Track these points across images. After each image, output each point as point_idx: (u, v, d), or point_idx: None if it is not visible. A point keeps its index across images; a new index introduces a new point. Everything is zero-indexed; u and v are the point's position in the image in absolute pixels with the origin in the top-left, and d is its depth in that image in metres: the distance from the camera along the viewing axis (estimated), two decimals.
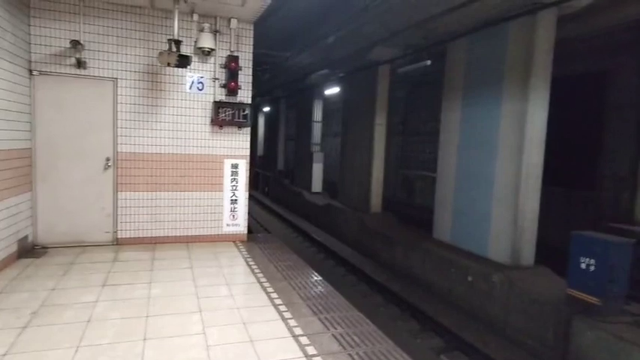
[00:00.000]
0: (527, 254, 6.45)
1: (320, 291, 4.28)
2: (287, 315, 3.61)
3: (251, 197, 17.23)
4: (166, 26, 5.47)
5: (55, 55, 5.12)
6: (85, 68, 5.21)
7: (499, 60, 6.62)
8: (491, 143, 6.81)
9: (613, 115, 8.69)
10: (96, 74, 5.29)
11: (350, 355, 3.00)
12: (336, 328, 3.41)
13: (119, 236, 5.54)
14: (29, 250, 5.08)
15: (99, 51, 5.27)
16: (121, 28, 5.34)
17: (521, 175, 6.30)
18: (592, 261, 4.80)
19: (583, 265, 4.88)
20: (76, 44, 5.05)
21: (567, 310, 5.02)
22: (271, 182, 19.82)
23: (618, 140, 8.63)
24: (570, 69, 8.64)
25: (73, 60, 5.14)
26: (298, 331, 3.32)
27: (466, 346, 5.57)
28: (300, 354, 2.96)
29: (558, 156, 8.61)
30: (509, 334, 5.85)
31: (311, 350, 3.02)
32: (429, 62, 8.22)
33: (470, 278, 6.63)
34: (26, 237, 5.02)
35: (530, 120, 6.19)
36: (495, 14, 6.33)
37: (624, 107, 8.50)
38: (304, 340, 3.17)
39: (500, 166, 6.65)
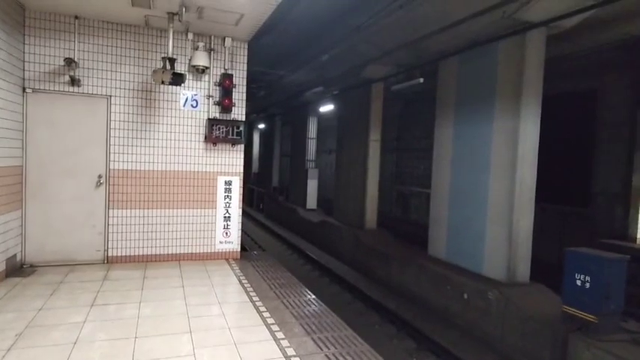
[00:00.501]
0: (523, 271, 6.42)
1: (313, 310, 4.21)
2: (279, 335, 3.53)
3: (245, 214, 17.15)
4: (161, 44, 5.51)
5: (49, 72, 5.12)
6: (78, 86, 5.21)
7: (490, 78, 6.71)
8: (484, 160, 6.85)
9: (604, 133, 8.79)
10: (89, 92, 5.29)
11: None
12: (329, 349, 3.34)
13: (110, 254, 5.46)
14: (17, 269, 4.98)
15: (93, 69, 5.29)
16: (116, 47, 5.37)
17: (514, 191, 6.32)
18: (587, 278, 4.78)
19: (578, 282, 4.85)
20: (70, 62, 5.06)
21: (564, 328, 4.97)
22: (266, 199, 19.76)
23: (610, 157, 8.71)
24: (562, 87, 8.77)
25: (66, 78, 5.14)
26: (291, 351, 3.24)
27: None
28: None
29: (552, 173, 8.67)
30: (506, 352, 5.77)
31: None
32: (421, 80, 8.31)
33: (465, 296, 6.57)
34: (15, 256, 4.93)
35: (523, 137, 6.24)
36: (485, 34, 6.44)
37: (614, 125, 8.61)
38: None
39: (494, 182, 6.67)
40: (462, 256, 7.35)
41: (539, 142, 6.41)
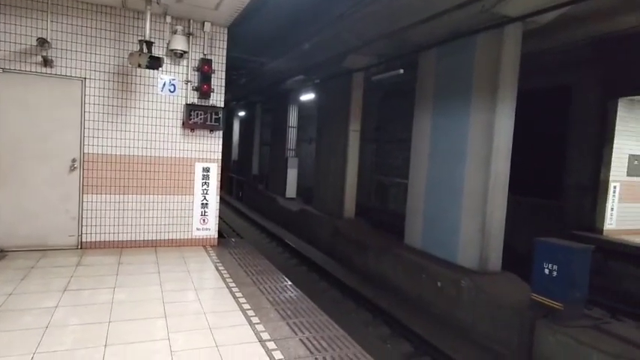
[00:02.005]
0: (495, 260, 6.61)
1: (289, 296, 4.26)
2: (255, 320, 3.57)
3: (224, 202, 17.03)
4: (138, 27, 5.39)
5: (21, 52, 4.95)
6: (51, 67, 5.07)
7: (468, 71, 6.81)
8: (460, 152, 6.97)
9: (576, 128, 9.07)
10: (63, 73, 5.15)
11: (317, 359, 3.00)
12: (304, 333, 3.40)
13: (84, 240, 5.37)
14: None
15: (67, 50, 5.14)
16: (91, 27, 5.22)
17: (488, 183, 6.47)
18: (555, 267, 4.96)
19: (546, 271, 5.03)
20: (42, 42, 4.90)
21: (531, 315, 5.16)
22: (245, 187, 19.66)
23: (581, 152, 9.00)
24: (537, 82, 8.97)
25: (39, 58, 4.99)
26: (265, 335, 3.29)
27: (435, 352, 5.64)
28: (267, 359, 2.94)
29: (526, 166, 8.90)
30: (477, 339, 5.96)
31: (278, 355, 3.00)
32: (401, 71, 8.36)
33: (439, 284, 6.73)
34: None
35: (498, 130, 6.38)
36: (464, 27, 6.53)
37: (585, 120, 8.89)
38: (271, 344, 3.15)
39: (469, 174, 6.81)
40: (437, 245, 7.51)
41: (514, 136, 6.57)
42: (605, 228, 8.69)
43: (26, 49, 4.97)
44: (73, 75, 5.19)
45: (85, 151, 5.29)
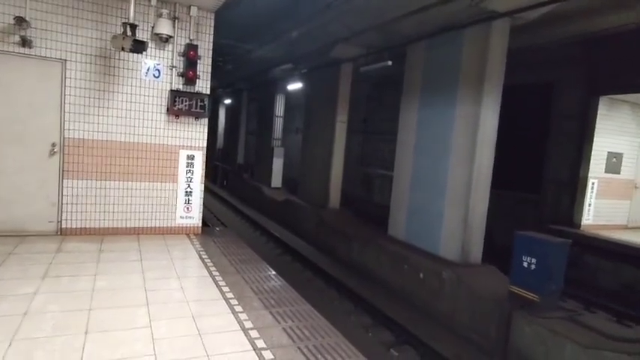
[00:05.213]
0: (476, 252, 6.73)
1: (273, 285, 4.27)
2: (238, 308, 3.57)
3: (209, 191, 16.89)
4: (122, 8, 5.24)
5: None
6: (30, 47, 4.90)
7: (455, 64, 6.85)
8: (445, 145, 7.04)
9: (557, 124, 9.23)
10: (43, 54, 4.99)
11: (299, 348, 3.02)
12: (286, 322, 3.42)
13: (64, 226, 5.27)
14: None
15: (47, 30, 4.97)
16: (72, 7, 5.06)
17: (472, 176, 6.56)
18: (533, 260, 5.07)
19: (525, 264, 5.15)
20: (20, 21, 4.73)
21: (508, 306, 5.29)
22: (230, 176, 19.52)
23: (561, 148, 9.18)
24: (522, 78, 9.07)
25: (17, 38, 4.82)
26: (248, 324, 3.30)
27: (415, 341, 5.74)
28: (249, 347, 2.95)
29: (509, 161, 9.05)
30: (456, 329, 6.09)
31: (260, 343, 3.01)
32: (390, 63, 8.35)
33: (421, 275, 6.83)
34: None
35: (482, 124, 6.45)
36: (452, 21, 6.55)
37: (567, 117, 9.05)
38: (254, 333, 3.16)
39: (454, 167, 6.89)
40: (419, 237, 7.61)
41: (497, 130, 6.65)
42: (582, 223, 8.91)
43: (3, 28, 4.79)
44: (53, 56, 5.03)
45: (66, 135, 5.16)
